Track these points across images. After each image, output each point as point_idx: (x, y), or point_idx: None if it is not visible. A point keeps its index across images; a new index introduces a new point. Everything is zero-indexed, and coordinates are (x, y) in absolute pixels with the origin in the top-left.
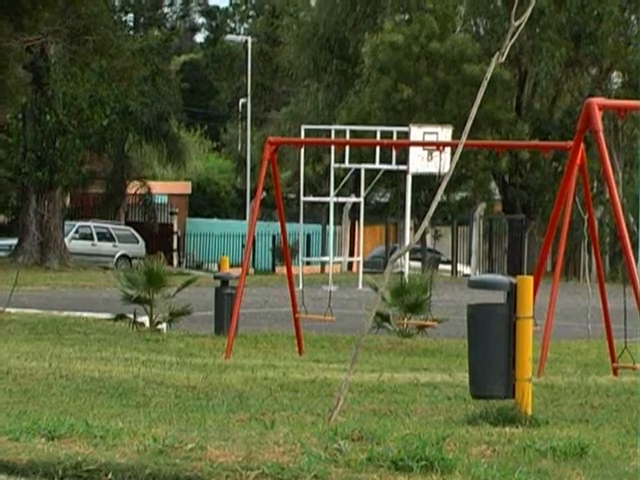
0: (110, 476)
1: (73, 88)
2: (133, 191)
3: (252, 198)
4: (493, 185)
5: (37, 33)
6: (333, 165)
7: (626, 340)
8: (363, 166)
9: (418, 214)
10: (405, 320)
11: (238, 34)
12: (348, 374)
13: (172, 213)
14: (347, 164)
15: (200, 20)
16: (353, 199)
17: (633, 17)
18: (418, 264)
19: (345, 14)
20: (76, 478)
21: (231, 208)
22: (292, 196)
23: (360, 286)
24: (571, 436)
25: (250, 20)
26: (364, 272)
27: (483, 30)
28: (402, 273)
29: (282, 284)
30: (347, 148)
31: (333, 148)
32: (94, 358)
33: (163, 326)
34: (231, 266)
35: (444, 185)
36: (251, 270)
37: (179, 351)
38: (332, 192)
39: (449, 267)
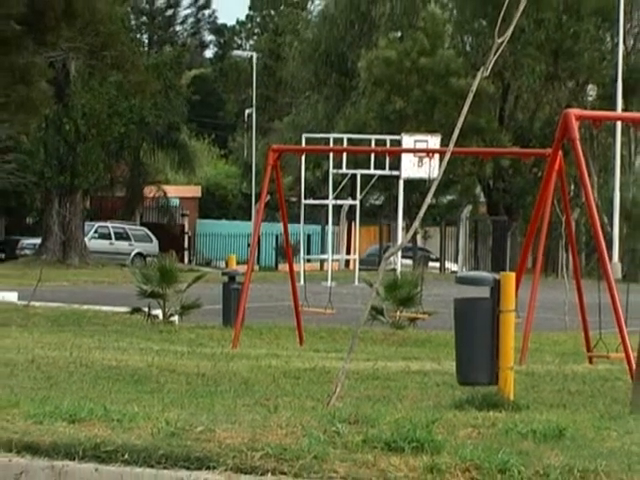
0: (126, 457)
1: (92, 100)
2: (151, 195)
3: (257, 201)
4: (478, 189)
5: (59, 50)
6: (331, 170)
7: (601, 331)
8: (359, 171)
9: (409, 216)
10: (397, 313)
11: (244, 50)
12: (345, 362)
13: (183, 215)
14: (344, 170)
15: (209, 37)
16: (350, 202)
17: (607, 34)
18: (409, 262)
19: (343, 32)
20: (95, 459)
21: (238, 210)
22: (294, 199)
23: (356, 282)
24: (550, 420)
25: (255, 37)
26: (360, 269)
27: (469, 46)
28: (395, 270)
29: (284, 280)
30: (344, 155)
31: (331, 155)
32: (112, 348)
33: (175, 318)
34: (237, 263)
35: (433, 189)
36: (256, 267)
37: (190, 341)
38: (330, 195)
39: (438, 264)
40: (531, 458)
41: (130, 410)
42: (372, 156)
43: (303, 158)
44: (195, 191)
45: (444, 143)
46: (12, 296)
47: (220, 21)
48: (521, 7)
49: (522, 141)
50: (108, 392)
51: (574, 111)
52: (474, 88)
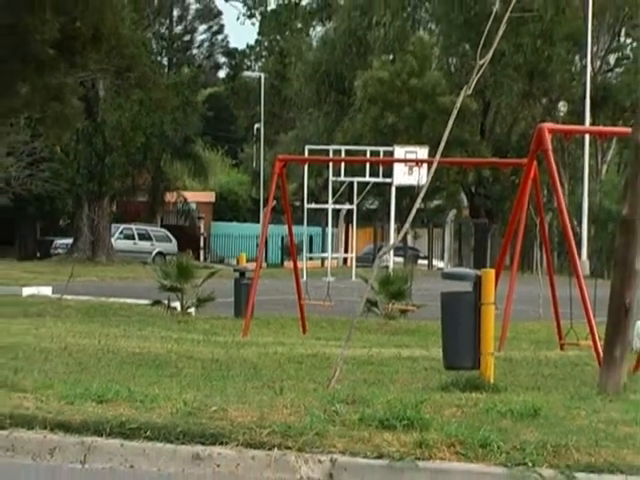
0: (148, 433)
1: (118, 116)
2: (173, 200)
3: (265, 205)
4: (462, 195)
5: (88, 71)
6: (331, 178)
7: (571, 322)
8: (355, 179)
9: (400, 218)
10: (390, 305)
11: (253, 71)
12: (343, 349)
13: (199, 218)
14: (342, 177)
15: (222, 60)
16: (347, 206)
17: (577, 58)
18: (400, 259)
19: (341, 55)
20: (120, 435)
21: (247, 213)
22: (297, 204)
23: (353, 277)
24: (526, 400)
25: (263, 60)
26: (356, 266)
27: (454, 68)
28: (387, 267)
29: (289, 276)
30: (342, 164)
31: (331, 164)
32: (135, 336)
33: (192, 310)
34: (247, 261)
35: (422, 194)
36: (264, 264)
37: (205, 331)
38: (330, 200)
39: (426, 262)
40: (509, 434)
41: (152, 392)
42: (367, 165)
43: (306, 167)
44: (210, 196)
45: (431, 154)
46: (47, 290)
47: (232, 45)
48: (500, 33)
49: (501, 152)
50: (132, 376)
51: (547, 125)
52: (458, 105)
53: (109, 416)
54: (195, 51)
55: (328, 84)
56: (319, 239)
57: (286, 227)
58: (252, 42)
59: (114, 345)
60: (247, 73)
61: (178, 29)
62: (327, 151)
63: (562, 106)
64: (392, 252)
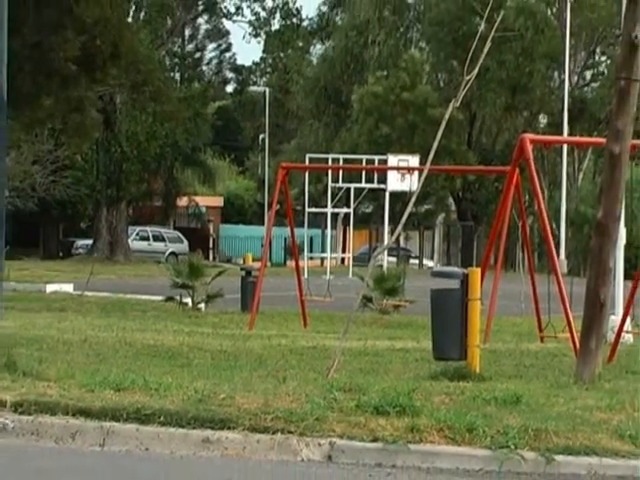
0: (162, 419)
1: (134, 126)
2: (184, 204)
3: (269, 209)
4: (450, 200)
5: (107, 85)
6: (330, 184)
7: (550, 316)
8: (352, 185)
9: (394, 221)
10: (384, 301)
11: (258, 86)
12: (341, 342)
13: (209, 220)
14: (340, 183)
15: (230, 75)
16: (345, 210)
17: (555, 74)
18: (394, 259)
19: (339, 71)
20: (136, 420)
21: (253, 217)
22: (299, 208)
23: (350, 275)
24: (509, 388)
25: (267, 75)
26: (353, 265)
27: (442, 83)
28: (382, 266)
29: (291, 274)
30: (340, 172)
31: (330, 172)
32: (150, 330)
33: (202, 306)
34: (253, 260)
35: (413, 199)
36: (268, 264)
37: (214, 324)
38: (329, 205)
39: (417, 261)
40: (493, 420)
41: (165, 381)
42: (363, 172)
43: (307, 174)
44: (218, 201)
45: (422, 162)
46: (69, 287)
47: (239, 62)
48: (485, 51)
49: (486, 160)
50: (147, 366)
51: (528, 136)
52: (447, 117)
53: (126, 403)
54: (205, 67)
55: (327, 98)
56: (319, 240)
57: (288, 229)
58: (257, 59)
59: (130, 338)
60: (253, 88)
61: (189, 47)
62: (326, 159)
63: (542, 118)
64: (386, 252)
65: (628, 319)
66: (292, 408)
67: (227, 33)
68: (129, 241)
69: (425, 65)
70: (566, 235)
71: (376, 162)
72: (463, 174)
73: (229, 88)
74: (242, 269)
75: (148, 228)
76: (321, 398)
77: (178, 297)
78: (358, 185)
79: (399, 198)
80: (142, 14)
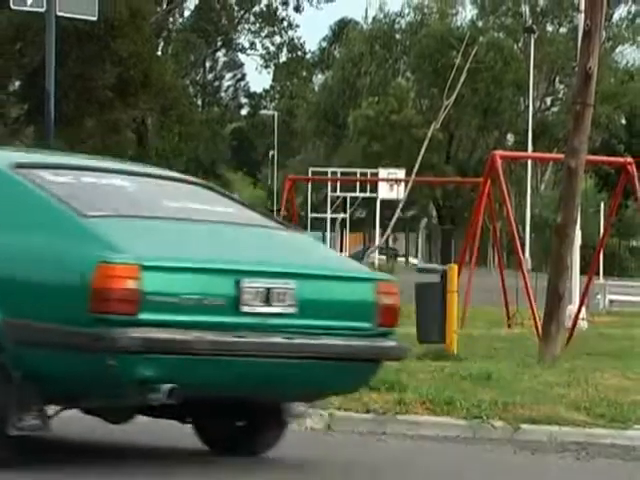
0: None
1: (162, 145)
2: None
3: (277, 215)
4: (432, 207)
5: (139, 109)
6: (329, 194)
7: (517, 306)
8: (349, 194)
9: (383, 225)
10: None
11: (268, 110)
12: None
13: None
14: (338, 193)
15: (244, 101)
16: (342, 215)
17: (521, 99)
18: (383, 257)
19: (337, 97)
20: None
21: None
22: (303, 213)
23: None
24: (482, 367)
25: (276, 100)
26: None
27: (425, 107)
28: (373, 263)
29: None
30: (338, 183)
31: (329, 183)
32: None
33: None
34: None
35: (400, 206)
36: None
37: None
38: (329, 211)
39: (403, 259)
40: (468, 394)
41: None
42: (357, 183)
43: (309, 185)
44: None
45: (408, 174)
46: None
47: (252, 89)
48: (461, 80)
49: (462, 173)
50: None
51: (498, 152)
52: (429, 136)
53: None
54: (223, 94)
55: (327, 120)
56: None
57: None
58: (267, 87)
59: None
60: (263, 111)
61: (209, 77)
62: (326, 172)
63: (510, 137)
64: (377, 251)
65: (583, 308)
66: None
67: (242, 65)
68: None
69: (410, 92)
70: (530, 237)
71: (369, 174)
72: (443, 185)
73: (243, 112)
74: None
75: None
76: None
77: None
78: (353, 194)
79: (388, 205)
80: (169, 49)
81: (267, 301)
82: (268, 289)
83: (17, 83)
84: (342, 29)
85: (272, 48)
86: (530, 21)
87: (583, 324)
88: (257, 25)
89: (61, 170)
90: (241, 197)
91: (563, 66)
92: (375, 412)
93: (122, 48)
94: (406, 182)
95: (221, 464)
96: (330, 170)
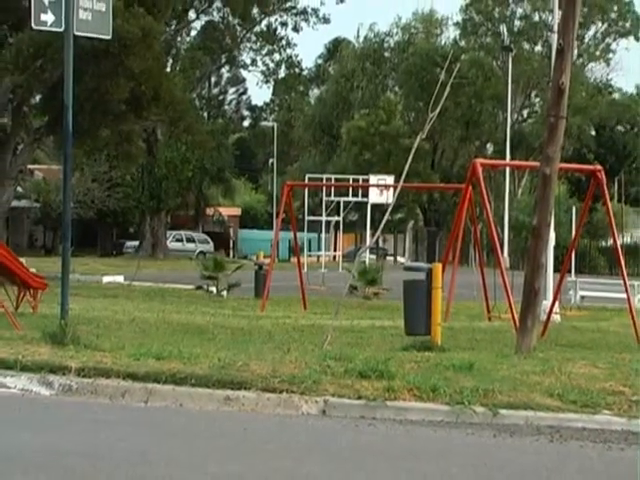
0: (193, 381)
1: (171, 153)
2: (211, 213)
3: (277, 217)
4: (418, 210)
5: (149, 121)
6: (324, 198)
7: (495, 301)
8: (342, 199)
9: (374, 227)
10: (366, 289)
11: (268, 121)
12: (333, 321)
13: (229, 226)
14: (332, 197)
15: (246, 113)
16: (336, 218)
17: (500, 112)
18: (374, 256)
19: (331, 109)
20: (173, 382)
21: (264, 223)
22: (300, 216)
23: (340, 269)
24: (463, 357)
25: (275, 113)
26: (342, 261)
27: (412, 119)
28: (365, 262)
29: (294, 268)
30: (332, 188)
31: (324, 188)
32: (183, 312)
33: (224, 293)
34: (264, 257)
35: (389, 210)
36: (276, 260)
37: (233, 308)
38: (324, 214)
39: (392, 258)
40: (451, 382)
41: (195, 351)
42: (350, 189)
43: (306, 190)
44: (237, 211)
45: (396, 180)
46: (120, 278)
47: (253, 103)
48: (445, 94)
49: (446, 179)
50: (181, 340)
51: (479, 160)
52: (415, 145)
53: (164, 369)
54: (226, 107)
55: (322, 130)
56: (315, 242)
57: (292, 233)
58: (267, 100)
59: (168, 318)
60: (264, 123)
61: (214, 91)
62: (321, 178)
63: (489, 146)
64: (368, 251)
65: (556, 303)
66: (294, 373)
67: (244, 80)
68: (167, 242)
69: (398, 105)
70: (508, 238)
71: (360, 180)
72: (428, 190)
73: (245, 123)
74: (255, 264)
75: (182, 232)
76: (317, 365)
77: (205, 286)
78: (346, 198)
79: (378, 209)
80: (178, 65)
81: None
82: None
83: (38, 97)
84: (336, 47)
85: (272, 65)
86: (508, 41)
87: (557, 318)
88: (258, 44)
89: None
90: (243, 201)
91: (538, 81)
92: (366, 398)
93: (134, 65)
94: (394, 188)
95: (225, 446)
96: (325, 176)
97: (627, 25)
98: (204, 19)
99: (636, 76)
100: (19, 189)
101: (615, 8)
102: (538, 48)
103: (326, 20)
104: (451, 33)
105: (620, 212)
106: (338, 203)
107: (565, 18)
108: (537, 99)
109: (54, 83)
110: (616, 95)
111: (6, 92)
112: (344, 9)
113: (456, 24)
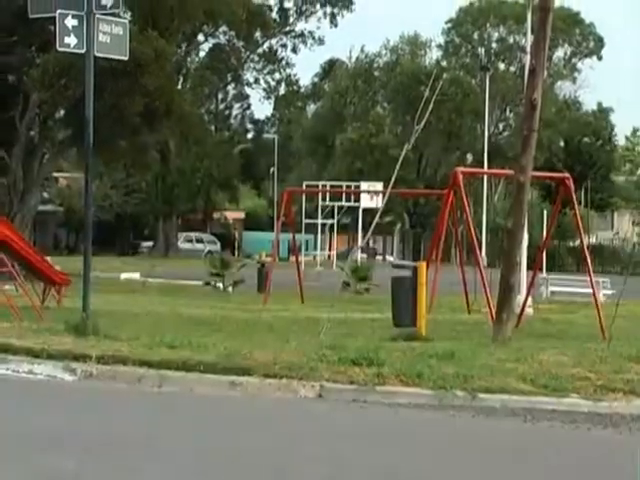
0: (201, 368)
1: (182, 163)
2: (218, 217)
3: (277, 220)
4: (404, 214)
5: (162, 133)
6: (320, 203)
7: (475, 295)
8: (336, 203)
9: (365, 229)
10: (358, 285)
11: (270, 133)
12: (328, 314)
13: (234, 228)
14: (328, 202)
15: (249, 126)
16: (331, 221)
17: (478, 125)
18: (365, 255)
19: (327, 123)
20: (184, 369)
21: (266, 226)
22: (298, 220)
23: (334, 267)
24: (446, 346)
25: (276, 126)
26: (337, 259)
27: (399, 131)
28: (356, 260)
29: (293, 266)
30: (327, 194)
31: (320, 194)
32: (193, 305)
33: (230, 288)
34: (266, 256)
35: (379, 214)
36: (277, 259)
37: (238, 302)
38: (319, 217)
39: (381, 257)
40: (435, 369)
41: (203, 341)
42: (343, 195)
43: (304, 196)
44: (241, 215)
45: (385, 187)
46: (136, 275)
47: (256, 117)
48: (429, 109)
49: (430, 186)
50: (191, 331)
51: (460, 169)
52: (402, 155)
53: (176, 357)
54: (232, 121)
55: (318, 142)
56: (312, 242)
57: (291, 235)
58: (269, 115)
59: (179, 311)
60: (266, 135)
61: (221, 107)
62: (317, 185)
63: (469, 156)
64: (359, 251)
65: (529, 298)
66: (294, 360)
67: (248, 96)
68: (178, 243)
69: (387, 119)
70: (486, 239)
71: (353, 187)
72: (414, 196)
73: (249, 135)
74: (258, 262)
75: (192, 234)
76: (314, 353)
77: (213, 282)
78: (340, 203)
79: (369, 213)
80: (188, 83)
81: None
82: None
83: (62, 111)
84: (331, 67)
85: (273, 83)
86: (485, 61)
87: (530, 311)
88: (260, 64)
89: None
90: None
91: (512, 98)
92: (358, 383)
93: (149, 83)
94: (383, 193)
95: (224, 425)
96: (321, 183)
97: (590, 45)
98: (212, 41)
99: (600, 92)
100: (45, 195)
101: (577, 31)
102: (512, 68)
103: (321, 41)
104: (434, 54)
105: (586, 216)
106: (333, 207)
107: (537, 41)
108: (511, 114)
109: (76, 99)
110: (582, 110)
111: (33, 107)
112: (337, 32)
113: (439, 46)
